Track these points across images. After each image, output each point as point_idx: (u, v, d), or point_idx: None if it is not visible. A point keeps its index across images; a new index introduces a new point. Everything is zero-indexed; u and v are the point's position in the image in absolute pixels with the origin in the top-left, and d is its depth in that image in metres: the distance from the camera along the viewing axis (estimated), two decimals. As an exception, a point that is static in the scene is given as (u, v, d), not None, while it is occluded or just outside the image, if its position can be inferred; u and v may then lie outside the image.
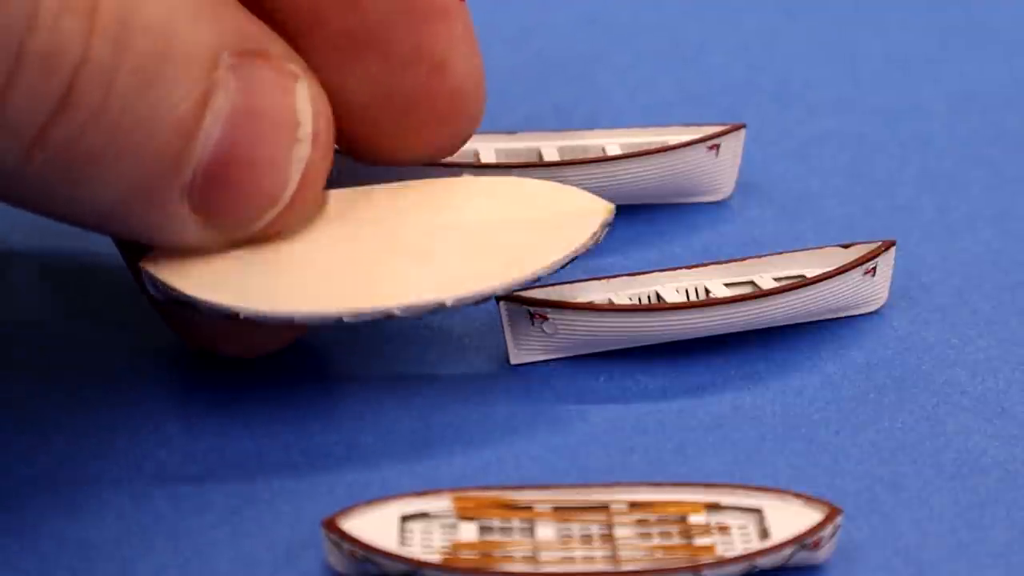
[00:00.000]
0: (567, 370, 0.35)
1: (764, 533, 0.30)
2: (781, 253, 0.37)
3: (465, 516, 0.30)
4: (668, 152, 0.39)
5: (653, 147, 0.39)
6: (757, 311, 0.35)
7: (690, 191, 0.40)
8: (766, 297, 0.35)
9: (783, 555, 0.29)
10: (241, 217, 0.30)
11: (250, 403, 0.34)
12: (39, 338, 0.36)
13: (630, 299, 0.36)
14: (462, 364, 0.35)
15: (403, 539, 0.30)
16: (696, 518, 0.30)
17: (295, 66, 0.30)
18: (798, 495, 0.30)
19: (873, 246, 0.36)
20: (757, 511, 0.30)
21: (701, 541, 0.30)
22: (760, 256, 0.37)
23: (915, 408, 0.34)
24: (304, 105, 0.29)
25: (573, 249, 0.32)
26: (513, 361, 0.35)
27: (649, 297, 0.36)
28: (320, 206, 0.31)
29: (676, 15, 0.50)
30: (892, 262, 0.36)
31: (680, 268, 0.36)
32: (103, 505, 0.31)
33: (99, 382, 0.34)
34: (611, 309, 0.34)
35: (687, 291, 0.36)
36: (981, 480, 0.32)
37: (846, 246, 0.36)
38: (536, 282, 0.32)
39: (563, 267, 0.32)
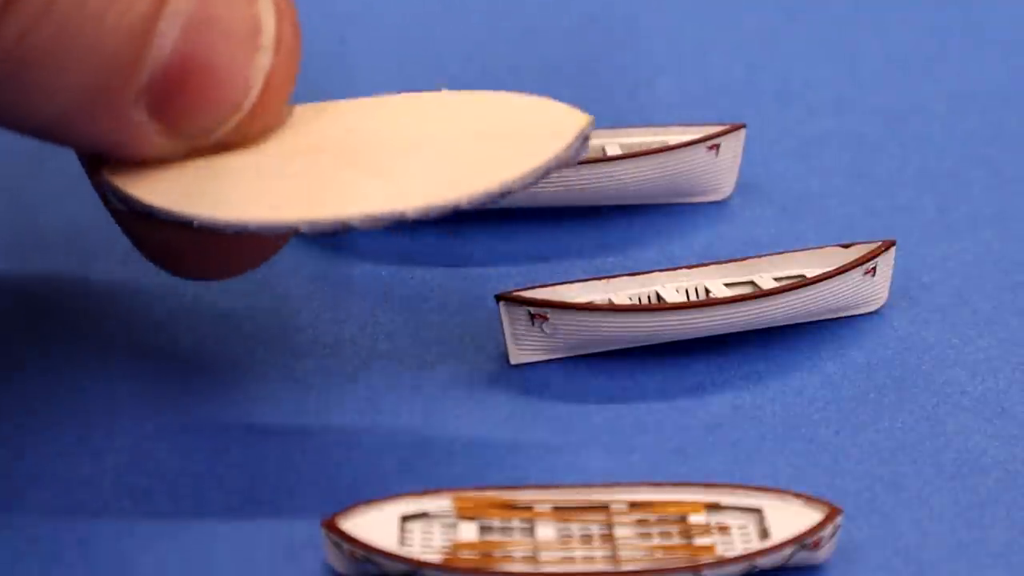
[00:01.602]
0: (567, 370, 0.35)
1: (764, 533, 0.30)
2: (781, 253, 0.37)
3: (465, 516, 0.30)
4: (668, 152, 0.39)
5: (653, 147, 0.39)
6: (757, 311, 0.35)
7: (690, 191, 0.40)
8: (766, 297, 0.35)
9: (783, 555, 0.29)
10: (201, 124, 0.29)
11: (250, 403, 0.34)
12: (39, 338, 0.36)
13: (630, 299, 0.36)
14: (462, 364, 0.35)
15: (403, 539, 0.30)
16: (696, 518, 0.30)
17: None
18: (798, 495, 0.30)
19: (873, 246, 0.36)
20: (757, 511, 0.30)
21: (701, 541, 0.30)
22: (760, 256, 0.37)
23: (915, 408, 0.34)
24: (267, 9, 0.29)
25: (545, 160, 0.30)
26: (513, 361, 0.35)
27: (649, 297, 0.36)
28: (285, 117, 0.31)
29: (676, 15, 0.50)
30: (892, 262, 0.36)
31: (680, 268, 0.36)
32: (103, 505, 0.31)
33: (99, 382, 0.34)
34: (611, 309, 0.34)
35: (687, 291, 0.36)
36: (981, 480, 0.32)
37: (846, 246, 0.36)
38: (506, 195, 0.30)
39: (536, 180, 0.30)
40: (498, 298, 0.34)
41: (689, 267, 0.36)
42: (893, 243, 0.36)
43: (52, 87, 0.27)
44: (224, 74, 0.28)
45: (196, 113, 0.29)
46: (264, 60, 0.29)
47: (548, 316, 0.34)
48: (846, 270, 0.35)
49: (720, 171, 0.40)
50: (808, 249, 0.37)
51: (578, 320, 0.34)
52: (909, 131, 0.44)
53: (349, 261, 0.38)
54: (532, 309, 0.34)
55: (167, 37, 0.27)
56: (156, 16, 0.27)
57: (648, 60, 0.48)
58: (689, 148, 0.39)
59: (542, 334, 0.35)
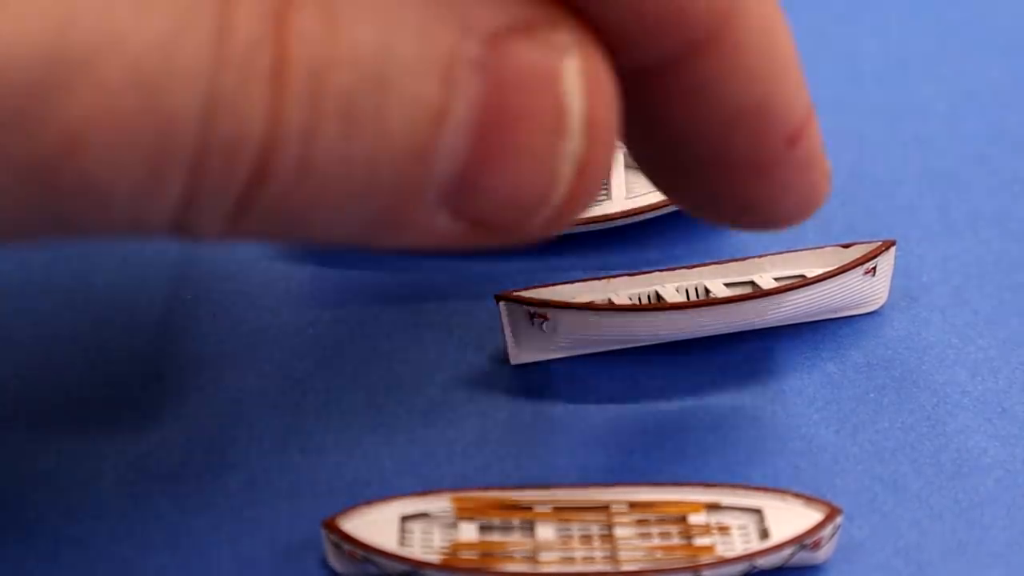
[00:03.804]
0: (567, 370, 0.35)
1: (764, 533, 0.30)
2: (781, 253, 0.37)
3: (465, 516, 0.30)
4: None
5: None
6: (757, 311, 0.35)
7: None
8: (766, 297, 0.35)
9: (783, 555, 0.29)
10: (509, 220, 0.26)
11: (250, 403, 0.34)
12: (39, 339, 0.36)
13: (630, 299, 0.36)
14: (462, 364, 0.35)
15: (403, 539, 0.30)
16: (696, 518, 0.30)
17: (565, 34, 0.24)
18: (798, 495, 0.30)
19: (873, 246, 0.36)
20: (757, 511, 0.30)
21: (701, 541, 0.30)
22: (760, 256, 0.36)
23: (915, 408, 0.34)
24: (573, 88, 0.24)
25: None
26: (513, 361, 0.35)
27: (649, 297, 0.36)
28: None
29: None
30: (892, 262, 0.36)
31: (680, 268, 0.36)
32: (103, 505, 0.31)
33: (99, 382, 0.34)
34: (611, 309, 0.34)
35: (687, 291, 0.36)
36: (981, 480, 0.32)
37: (846, 246, 0.36)
38: None
39: None
40: (498, 298, 0.34)
41: (689, 267, 0.36)
42: (893, 243, 0.36)
43: (324, 227, 0.25)
44: (524, 169, 0.25)
45: (501, 211, 0.25)
46: (572, 146, 0.25)
47: (548, 316, 0.34)
48: (846, 270, 0.35)
49: None
50: (808, 249, 0.36)
51: (578, 320, 0.34)
52: (909, 131, 0.44)
53: (349, 261, 0.38)
54: (532, 309, 0.34)
55: (452, 147, 0.24)
56: (436, 132, 0.24)
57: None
58: None
59: (542, 334, 0.35)
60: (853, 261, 0.36)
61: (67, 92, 0.21)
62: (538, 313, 0.34)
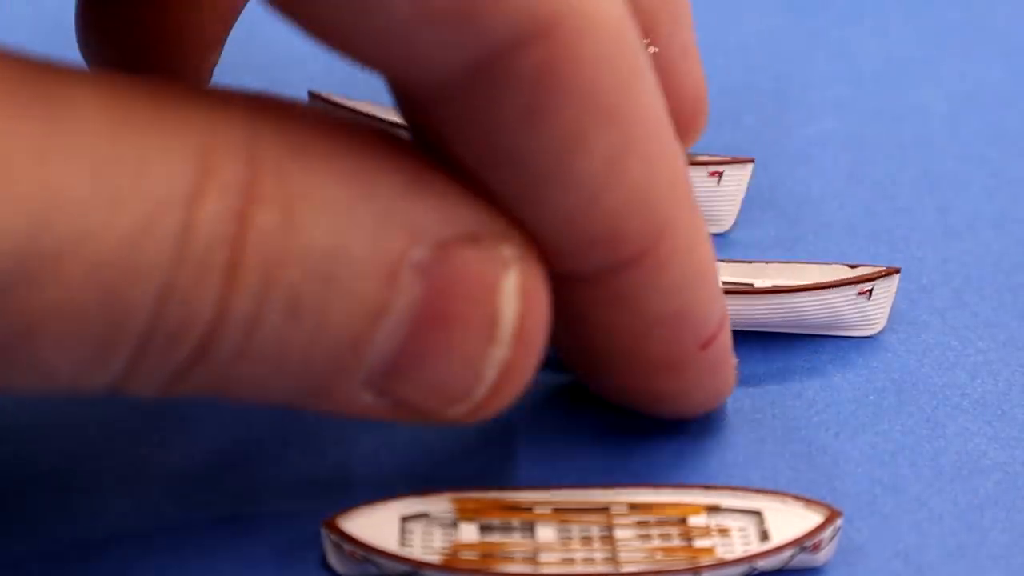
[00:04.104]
0: (567, 370, 0.35)
1: (764, 535, 0.30)
2: (788, 262, 0.36)
3: (465, 517, 0.30)
4: None
5: None
6: (742, 308, 0.35)
7: None
8: (752, 295, 0.35)
9: (783, 557, 0.30)
10: (428, 408, 0.27)
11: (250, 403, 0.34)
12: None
13: None
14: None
15: (403, 540, 0.30)
16: (696, 520, 0.30)
17: (509, 249, 0.26)
18: (798, 497, 0.30)
19: (876, 269, 0.36)
20: (757, 513, 0.30)
21: (701, 543, 0.30)
22: (768, 261, 0.36)
23: (915, 410, 0.34)
24: (509, 301, 0.26)
25: None
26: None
27: None
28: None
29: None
30: (894, 289, 0.36)
31: None
32: (103, 505, 0.31)
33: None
34: None
35: None
36: (981, 482, 0.32)
37: (853, 266, 0.36)
38: None
39: None
40: None
41: None
42: (897, 271, 0.36)
43: (254, 396, 0.26)
44: (451, 368, 0.26)
45: (424, 399, 0.27)
46: (500, 353, 0.26)
47: None
48: (836, 286, 0.35)
49: (723, 203, 0.39)
50: (815, 263, 0.36)
51: None
52: (909, 132, 0.44)
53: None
54: None
55: (388, 343, 0.25)
56: (373, 327, 0.25)
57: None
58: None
59: None
60: (846, 279, 0.35)
61: (31, 286, 0.22)
62: None
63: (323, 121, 0.25)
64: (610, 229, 0.27)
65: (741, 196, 0.39)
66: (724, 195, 0.39)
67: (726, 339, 0.31)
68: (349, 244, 0.24)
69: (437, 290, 0.25)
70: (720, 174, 0.38)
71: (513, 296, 0.26)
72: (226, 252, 0.23)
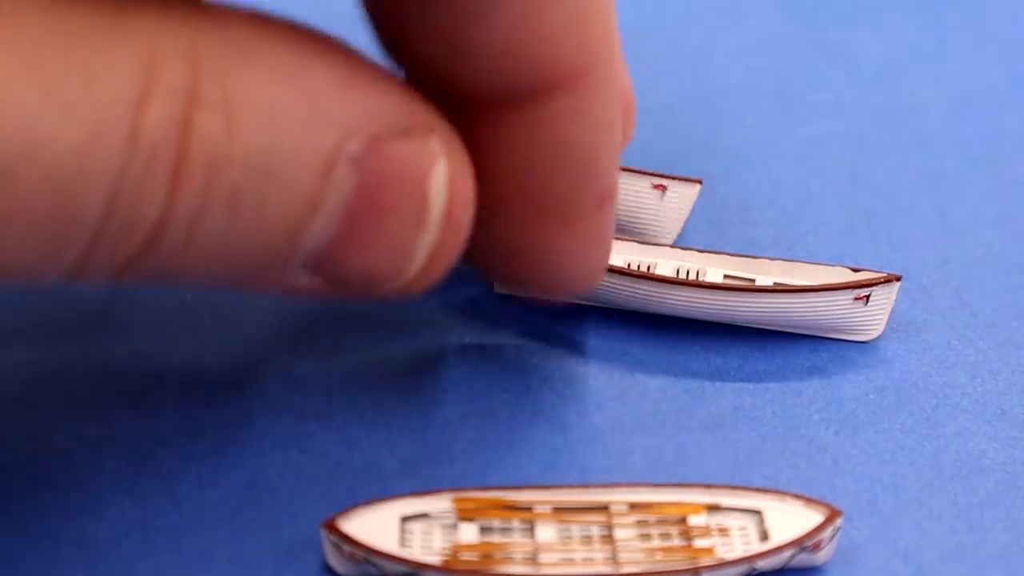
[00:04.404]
0: (567, 370, 0.35)
1: (764, 535, 0.30)
2: (791, 261, 0.36)
3: (465, 517, 0.30)
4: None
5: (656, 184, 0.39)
6: (736, 304, 0.35)
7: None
8: (746, 292, 0.35)
9: (783, 557, 0.29)
10: (361, 287, 0.28)
11: (250, 403, 0.34)
12: (37, 339, 0.36)
13: (627, 264, 0.36)
14: (463, 364, 0.35)
15: (403, 540, 0.30)
16: (696, 519, 0.30)
17: (437, 141, 0.27)
18: (798, 496, 0.30)
19: (875, 275, 0.36)
20: (757, 512, 0.30)
21: (701, 542, 0.30)
22: (772, 259, 0.36)
23: (915, 410, 0.34)
24: (439, 188, 0.27)
25: None
26: (497, 290, 0.36)
27: (647, 267, 0.36)
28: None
29: (676, 16, 0.50)
30: (893, 297, 0.36)
31: (691, 249, 0.36)
32: (103, 505, 0.31)
33: (98, 382, 0.34)
34: None
35: (687, 272, 0.36)
36: (980, 482, 0.32)
37: (856, 270, 0.36)
38: None
39: None
40: None
41: (700, 251, 0.36)
42: (897, 278, 0.35)
43: (198, 281, 0.27)
44: (382, 252, 0.28)
45: (356, 280, 0.28)
46: (429, 237, 0.28)
47: None
48: (835, 289, 0.35)
49: (666, 217, 0.39)
50: (819, 264, 0.36)
51: None
52: (909, 133, 0.44)
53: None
54: None
55: (323, 231, 0.27)
56: (310, 216, 0.26)
57: (648, 62, 0.48)
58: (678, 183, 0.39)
59: None
60: (844, 283, 0.35)
61: None
62: None
63: (260, 22, 0.26)
64: (550, 47, 0.28)
65: (684, 214, 0.39)
66: (667, 209, 0.39)
67: (613, 214, 0.31)
68: (286, 142, 0.25)
69: (370, 181, 0.27)
70: (664, 188, 0.38)
71: (442, 184, 0.27)
72: (171, 155, 0.24)
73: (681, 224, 0.39)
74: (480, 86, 0.28)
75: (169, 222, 0.25)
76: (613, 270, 0.35)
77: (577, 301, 0.36)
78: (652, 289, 0.35)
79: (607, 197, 0.31)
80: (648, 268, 0.36)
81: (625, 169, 0.38)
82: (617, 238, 0.37)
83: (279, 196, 0.26)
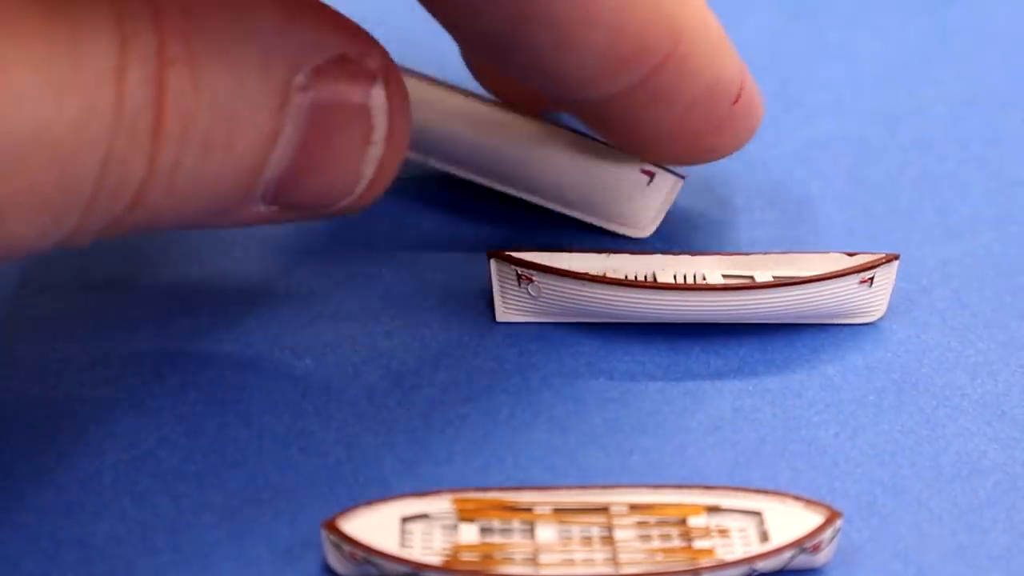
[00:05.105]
0: (567, 371, 0.35)
1: (764, 536, 0.30)
2: (786, 253, 0.36)
3: (465, 517, 0.30)
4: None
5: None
6: (744, 302, 0.35)
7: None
8: (754, 290, 0.35)
9: (783, 558, 0.30)
10: (314, 207, 0.31)
11: (250, 402, 0.34)
12: (37, 338, 0.36)
13: (626, 276, 0.36)
14: (463, 365, 0.35)
15: (403, 540, 0.30)
16: (696, 520, 0.30)
17: (373, 62, 0.30)
18: (798, 498, 0.30)
19: (875, 257, 0.36)
20: (757, 514, 0.30)
21: (701, 543, 0.30)
22: (766, 253, 0.36)
23: (915, 411, 0.34)
24: (380, 108, 0.30)
25: None
26: (499, 319, 0.36)
27: (645, 276, 0.36)
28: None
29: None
30: (894, 276, 0.36)
31: (683, 253, 0.36)
32: (103, 505, 0.31)
33: (98, 381, 0.34)
34: (591, 279, 0.35)
35: (684, 276, 0.36)
36: (981, 483, 0.32)
37: (851, 254, 0.36)
38: None
39: None
40: (489, 255, 0.35)
41: (692, 253, 0.36)
42: (896, 257, 0.36)
43: (177, 223, 0.29)
44: (336, 172, 0.30)
45: (311, 202, 0.31)
46: (376, 153, 0.30)
47: (534, 278, 0.35)
48: (839, 276, 0.35)
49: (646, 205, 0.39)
50: (814, 253, 0.36)
51: (561, 286, 0.35)
52: (909, 134, 0.44)
53: (350, 260, 0.38)
54: (520, 270, 0.35)
55: (281, 160, 0.29)
56: (270, 148, 0.29)
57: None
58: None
59: (528, 296, 0.35)
60: (848, 268, 0.35)
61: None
62: (524, 274, 0.35)
63: None
64: (636, 46, 0.30)
65: (667, 206, 0.38)
66: (651, 198, 0.38)
67: (751, 85, 0.34)
68: (245, 84, 0.27)
69: (319, 108, 0.29)
70: (652, 175, 0.38)
71: (381, 102, 0.30)
72: (151, 114, 0.26)
73: (662, 216, 0.38)
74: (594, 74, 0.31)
75: (153, 176, 0.27)
76: (615, 283, 0.35)
77: (572, 318, 0.36)
78: (656, 298, 0.35)
79: (741, 90, 0.33)
80: (645, 278, 0.36)
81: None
82: (598, 228, 0.38)
83: (242, 134, 0.28)
